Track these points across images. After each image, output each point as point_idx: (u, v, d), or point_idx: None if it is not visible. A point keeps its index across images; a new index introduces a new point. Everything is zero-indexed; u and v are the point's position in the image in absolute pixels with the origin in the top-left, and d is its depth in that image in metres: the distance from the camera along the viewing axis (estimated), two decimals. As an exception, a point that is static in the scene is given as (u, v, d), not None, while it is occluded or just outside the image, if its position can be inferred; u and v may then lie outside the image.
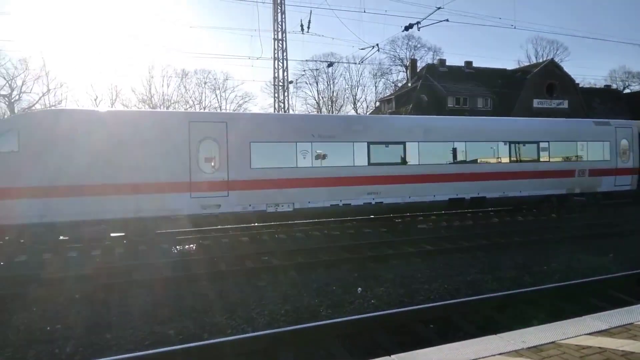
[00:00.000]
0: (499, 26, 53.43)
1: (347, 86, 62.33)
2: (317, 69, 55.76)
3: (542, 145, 17.06)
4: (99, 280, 9.08)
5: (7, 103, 44.95)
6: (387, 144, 15.04)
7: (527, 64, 57.57)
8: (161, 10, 74.20)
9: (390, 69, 60.95)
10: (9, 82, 46.63)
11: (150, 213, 12.38)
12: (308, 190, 13.90)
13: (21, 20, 63.78)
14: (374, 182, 14.60)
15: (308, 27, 26.78)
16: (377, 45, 22.51)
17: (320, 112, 56.71)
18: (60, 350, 6.01)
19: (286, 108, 30.62)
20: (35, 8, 63.03)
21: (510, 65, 76.23)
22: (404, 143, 15.13)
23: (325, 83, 59.80)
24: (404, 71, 59.58)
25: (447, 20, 18.77)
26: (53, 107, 39.36)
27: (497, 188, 16.28)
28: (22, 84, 47.06)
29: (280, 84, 30.05)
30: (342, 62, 55.03)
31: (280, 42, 29.20)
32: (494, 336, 3.98)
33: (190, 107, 54.92)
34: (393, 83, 60.56)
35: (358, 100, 61.33)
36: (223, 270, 9.80)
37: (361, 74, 65.38)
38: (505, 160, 16.59)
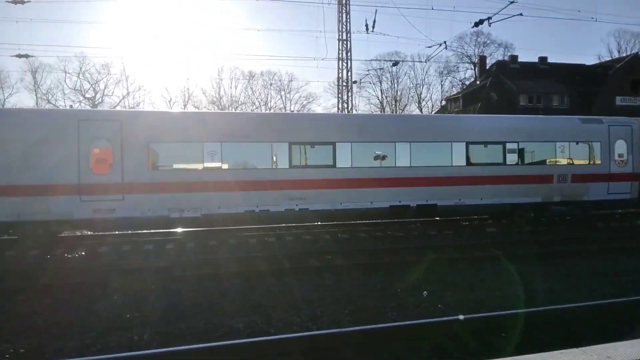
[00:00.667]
0: (578, 19, 50.07)
1: (411, 85, 61.36)
2: (381, 69, 55.38)
3: (509, 146, 15.02)
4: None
5: (91, 105, 48.90)
6: (313, 144, 13.74)
7: (608, 58, 53.70)
8: (231, 18, 76.94)
9: (458, 67, 59.29)
10: (93, 85, 51.35)
11: (34, 217, 11.82)
12: (217, 194, 12.90)
13: (103, 28, 68.81)
14: (298, 187, 13.37)
15: (373, 27, 26.76)
16: (445, 42, 21.95)
17: (384, 112, 56.26)
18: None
19: (349, 108, 30.70)
20: (117, 16, 67.77)
21: (590, 60, 71.27)
22: (333, 144, 13.73)
23: (389, 82, 59.27)
24: (472, 69, 57.70)
25: (521, 14, 17.87)
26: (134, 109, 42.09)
27: (451, 195, 14.51)
28: (105, 88, 51.60)
29: (344, 84, 30.19)
30: (407, 61, 54.38)
31: (345, 42, 29.34)
32: (575, 350, 3.71)
33: (257, 108, 56.62)
34: (460, 81, 58.91)
35: (423, 99, 60.24)
36: (287, 268, 9.97)
37: (426, 72, 64.26)
38: (461, 163, 14.67)
